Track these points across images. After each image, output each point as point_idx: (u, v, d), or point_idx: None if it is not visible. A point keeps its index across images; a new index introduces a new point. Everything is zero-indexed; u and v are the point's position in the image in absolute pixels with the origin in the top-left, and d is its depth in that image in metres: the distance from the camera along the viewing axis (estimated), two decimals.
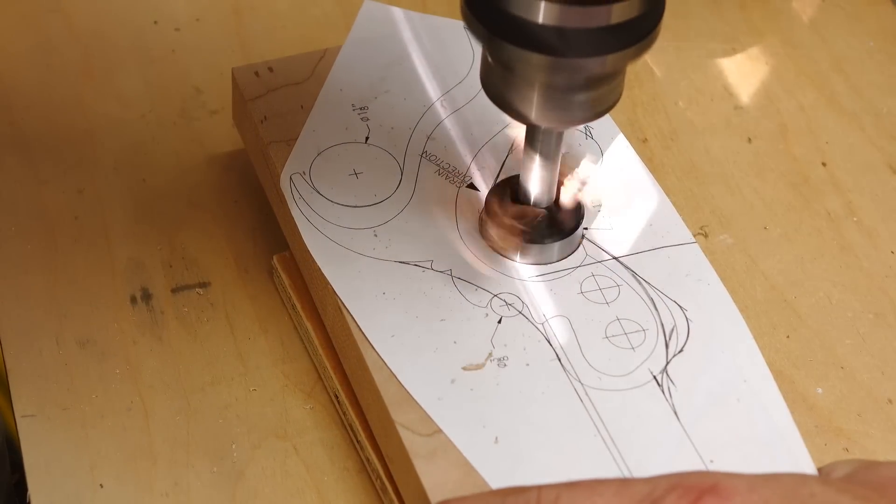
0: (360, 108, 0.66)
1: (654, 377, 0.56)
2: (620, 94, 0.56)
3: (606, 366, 0.57)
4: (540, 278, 0.60)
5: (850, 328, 0.65)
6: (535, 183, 0.60)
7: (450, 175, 0.64)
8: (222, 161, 0.71)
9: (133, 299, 0.65)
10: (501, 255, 0.60)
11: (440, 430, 0.54)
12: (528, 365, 0.56)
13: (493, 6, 0.51)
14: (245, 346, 0.63)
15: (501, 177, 0.64)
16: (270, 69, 0.67)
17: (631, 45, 0.52)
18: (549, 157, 0.59)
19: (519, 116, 0.56)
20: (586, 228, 0.62)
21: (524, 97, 0.54)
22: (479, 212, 0.62)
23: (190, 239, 0.67)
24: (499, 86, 0.55)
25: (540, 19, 0.50)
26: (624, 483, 0.48)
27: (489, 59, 0.55)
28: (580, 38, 0.51)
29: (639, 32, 0.52)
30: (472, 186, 0.63)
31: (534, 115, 0.55)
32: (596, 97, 0.55)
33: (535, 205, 0.61)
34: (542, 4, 0.50)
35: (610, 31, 0.51)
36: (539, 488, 0.48)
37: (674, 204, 0.63)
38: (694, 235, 0.63)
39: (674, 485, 0.47)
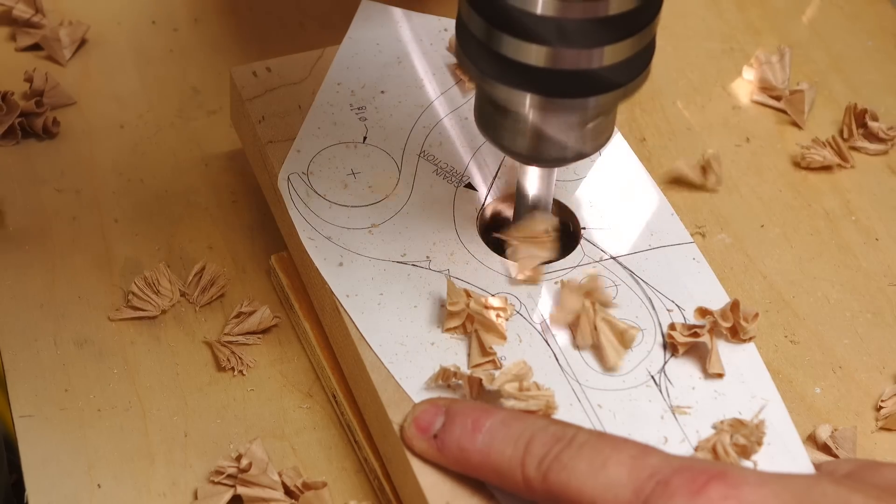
0: (358, 108, 0.66)
1: (652, 377, 0.56)
2: (612, 133, 0.57)
3: None
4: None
5: (848, 328, 0.65)
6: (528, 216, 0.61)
7: (448, 175, 0.64)
8: (220, 161, 0.71)
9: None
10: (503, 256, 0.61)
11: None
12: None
13: (486, 45, 0.52)
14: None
15: (500, 177, 0.64)
16: (268, 69, 0.67)
17: (621, 86, 0.52)
18: (542, 190, 0.59)
19: (513, 154, 0.56)
20: (584, 228, 0.62)
21: (517, 136, 0.55)
22: (477, 211, 0.62)
23: (188, 239, 0.67)
24: (493, 125, 0.56)
25: (532, 61, 0.51)
26: (643, 450, 0.49)
27: (484, 99, 0.56)
28: (572, 77, 0.51)
29: (630, 72, 0.52)
30: (470, 186, 0.63)
31: (527, 153, 0.55)
32: (585, 136, 0.55)
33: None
34: (534, 46, 0.50)
35: (601, 71, 0.51)
36: (578, 428, 0.51)
37: (672, 203, 0.63)
38: (692, 235, 0.63)
39: (684, 467, 0.48)
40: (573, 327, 0.57)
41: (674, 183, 0.71)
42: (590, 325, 0.56)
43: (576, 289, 0.57)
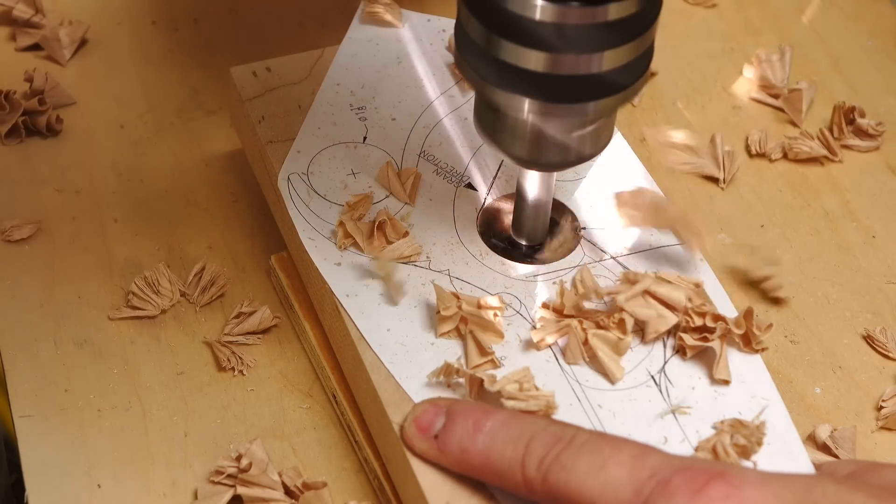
0: (358, 108, 0.66)
1: (652, 377, 0.56)
2: (612, 135, 0.57)
3: None
4: (538, 278, 0.60)
5: (848, 328, 0.65)
6: (527, 219, 0.60)
7: (448, 175, 0.64)
8: (220, 161, 0.71)
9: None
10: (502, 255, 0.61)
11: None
12: (525, 365, 0.56)
13: (485, 51, 0.52)
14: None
15: (500, 177, 0.64)
16: (268, 69, 0.67)
17: (621, 90, 0.52)
18: (543, 191, 0.59)
19: (513, 158, 0.56)
20: (584, 228, 0.62)
21: (517, 140, 0.55)
22: (478, 211, 0.62)
23: (187, 239, 0.67)
24: (493, 129, 0.56)
25: (531, 66, 0.51)
26: (643, 450, 0.49)
27: (483, 103, 0.56)
28: (572, 82, 0.51)
29: (629, 76, 0.52)
30: (470, 186, 0.63)
31: (527, 157, 0.55)
32: (585, 139, 0.55)
33: (528, 240, 0.61)
34: (533, 51, 0.50)
35: (601, 75, 0.51)
36: (578, 428, 0.51)
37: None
38: None
39: (684, 467, 0.48)
40: (565, 339, 0.57)
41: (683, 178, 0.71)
42: (578, 341, 0.56)
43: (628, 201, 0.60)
